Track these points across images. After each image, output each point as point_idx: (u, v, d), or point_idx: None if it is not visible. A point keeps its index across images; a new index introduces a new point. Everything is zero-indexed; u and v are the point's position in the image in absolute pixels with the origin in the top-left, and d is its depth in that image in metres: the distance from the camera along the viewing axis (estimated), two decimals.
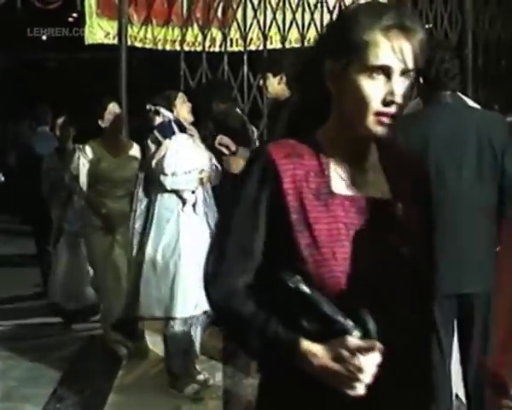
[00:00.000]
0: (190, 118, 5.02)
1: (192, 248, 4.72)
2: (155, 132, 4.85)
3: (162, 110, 4.90)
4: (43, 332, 6.04)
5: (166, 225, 4.80)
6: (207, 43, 6.91)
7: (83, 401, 4.69)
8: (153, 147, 4.84)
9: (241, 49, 6.86)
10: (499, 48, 7.29)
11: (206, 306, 4.55)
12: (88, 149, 5.49)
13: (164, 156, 4.77)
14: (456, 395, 4.40)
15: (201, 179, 4.87)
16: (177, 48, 6.86)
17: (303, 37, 6.91)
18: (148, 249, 4.77)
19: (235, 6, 6.84)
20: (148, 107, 4.94)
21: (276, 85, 4.91)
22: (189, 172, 4.82)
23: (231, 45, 7.15)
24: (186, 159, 4.81)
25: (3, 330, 5.95)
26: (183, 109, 4.95)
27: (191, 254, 4.72)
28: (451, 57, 3.46)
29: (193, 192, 4.86)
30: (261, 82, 5.00)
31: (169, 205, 4.82)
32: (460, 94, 3.61)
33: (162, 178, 4.77)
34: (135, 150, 5.58)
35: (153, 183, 4.84)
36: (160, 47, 7.12)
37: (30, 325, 6.17)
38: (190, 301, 4.72)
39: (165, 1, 6.98)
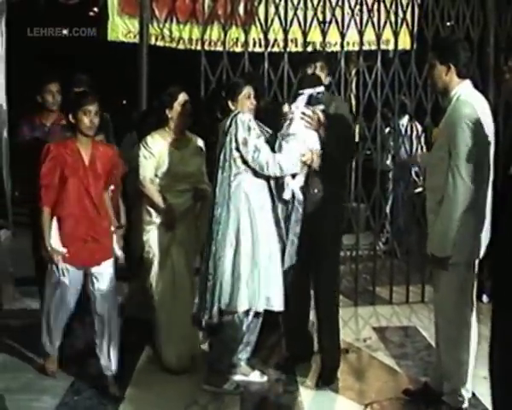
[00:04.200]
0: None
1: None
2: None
3: None
4: None
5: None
6: (229, 44, 6.91)
7: (100, 394, 4.71)
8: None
9: (262, 50, 6.82)
10: None
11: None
12: (150, 140, 5.07)
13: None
14: (473, 394, 4.38)
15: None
16: (199, 47, 6.83)
17: (324, 35, 6.89)
18: (240, 240, 4.54)
19: (256, 3, 6.84)
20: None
21: None
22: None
23: (254, 46, 7.16)
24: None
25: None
26: None
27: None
28: None
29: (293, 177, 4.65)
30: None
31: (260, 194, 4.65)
32: None
33: (286, 163, 4.55)
34: (198, 144, 5.24)
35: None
36: (181, 46, 7.14)
37: None
38: (282, 295, 4.63)
39: None
